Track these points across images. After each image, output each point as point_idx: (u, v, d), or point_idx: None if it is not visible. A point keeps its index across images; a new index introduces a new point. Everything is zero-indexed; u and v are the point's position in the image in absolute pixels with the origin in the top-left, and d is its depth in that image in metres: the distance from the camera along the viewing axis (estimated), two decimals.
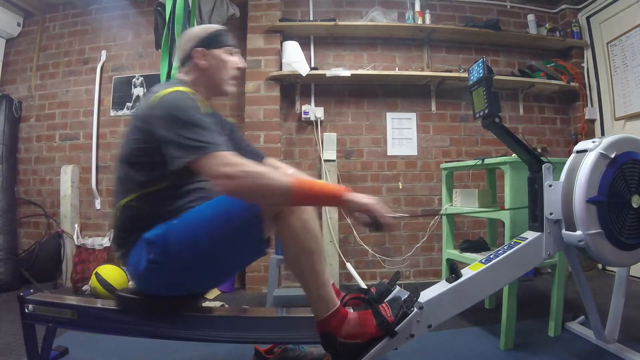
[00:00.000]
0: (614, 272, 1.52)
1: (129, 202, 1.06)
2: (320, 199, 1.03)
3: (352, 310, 1.11)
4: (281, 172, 1.01)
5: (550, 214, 1.27)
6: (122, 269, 2.41)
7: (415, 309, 1.08)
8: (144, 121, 1.03)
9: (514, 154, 1.51)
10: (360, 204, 0.98)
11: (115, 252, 1.14)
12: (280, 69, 2.67)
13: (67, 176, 2.80)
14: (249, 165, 0.92)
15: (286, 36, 2.77)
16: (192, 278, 1.06)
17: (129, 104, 2.91)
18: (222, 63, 1.17)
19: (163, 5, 2.17)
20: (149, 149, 1.02)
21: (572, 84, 2.85)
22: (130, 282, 2.43)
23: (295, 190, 0.93)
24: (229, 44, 1.20)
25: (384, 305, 1.09)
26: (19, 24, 3.02)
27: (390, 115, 2.87)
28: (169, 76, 1.87)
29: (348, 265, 2.57)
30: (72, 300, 1.27)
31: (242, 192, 0.93)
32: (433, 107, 2.90)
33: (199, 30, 1.20)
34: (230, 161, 0.91)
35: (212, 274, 1.09)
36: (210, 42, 1.17)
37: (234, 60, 1.20)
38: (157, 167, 1.02)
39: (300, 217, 1.01)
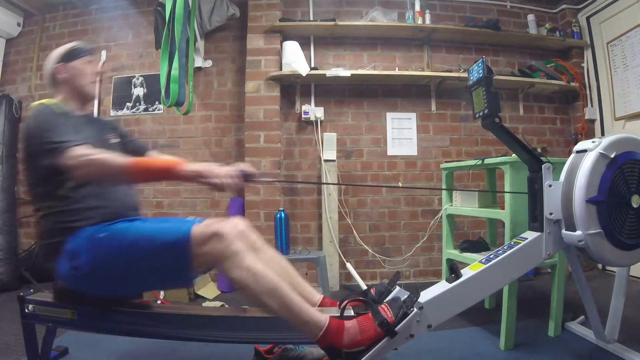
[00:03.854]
0: (614, 272, 1.52)
1: (40, 216, 1.16)
2: (156, 172, 1.11)
3: (352, 312, 1.11)
4: (122, 157, 1.10)
5: (550, 214, 1.27)
6: None
7: (415, 309, 1.07)
8: (23, 142, 1.16)
9: (514, 154, 1.51)
10: (192, 172, 1.04)
11: (41, 259, 1.24)
12: (280, 69, 2.67)
13: None
14: (93, 154, 1.04)
15: (286, 36, 2.77)
16: (109, 287, 1.11)
17: (129, 104, 2.91)
18: (80, 71, 1.29)
19: (163, 5, 2.17)
20: (34, 168, 1.14)
21: (572, 84, 2.86)
22: None
23: (131, 168, 1.06)
24: (84, 54, 1.31)
25: (383, 306, 1.09)
26: (19, 24, 3.02)
27: (390, 115, 2.87)
28: (169, 76, 1.86)
29: (348, 265, 2.57)
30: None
31: (91, 176, 1.07)
32: (433, 107, 2.90)
33: (57, 50, 1.31)
34: (77, 153, 1.04)
35: (126, 289, 1.15)
36: (68, 56, 1.28)
37: (91, 67, 1.32)
38: (46, 184, 1.12)
39: (240, 265, 1.00)
